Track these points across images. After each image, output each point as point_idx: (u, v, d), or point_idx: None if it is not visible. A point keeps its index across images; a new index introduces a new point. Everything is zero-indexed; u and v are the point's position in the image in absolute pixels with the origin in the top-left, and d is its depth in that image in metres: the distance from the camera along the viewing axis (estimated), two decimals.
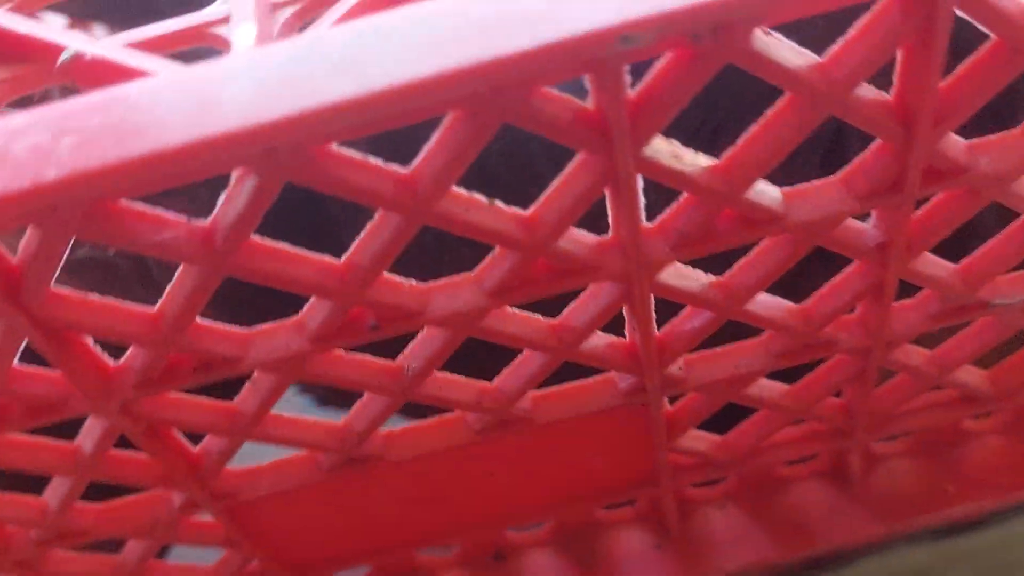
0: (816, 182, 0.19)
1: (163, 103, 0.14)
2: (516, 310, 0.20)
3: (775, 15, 0.15)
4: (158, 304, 0.18)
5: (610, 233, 0.19)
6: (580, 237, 0.19)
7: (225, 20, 0.16)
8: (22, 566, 0.24)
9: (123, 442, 0.21)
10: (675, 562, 0.28)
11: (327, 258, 0.18)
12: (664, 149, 0.17)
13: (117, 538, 0.25)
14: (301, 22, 0.17)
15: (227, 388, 0.21)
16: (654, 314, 0.21)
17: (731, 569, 0.28)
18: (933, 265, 0.21)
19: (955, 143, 0.18)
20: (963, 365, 0.25)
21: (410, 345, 0.21)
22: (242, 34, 0.16)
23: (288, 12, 0.16)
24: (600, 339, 0.22)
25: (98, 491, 0.23)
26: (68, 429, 0.21)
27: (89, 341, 0.19)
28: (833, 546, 0.28)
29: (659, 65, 0.16)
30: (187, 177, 0.14)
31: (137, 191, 0.14)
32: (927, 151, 0.18)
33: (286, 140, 0.14)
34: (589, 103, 0.16)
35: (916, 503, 0.28)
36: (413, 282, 0.19)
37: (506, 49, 0.13)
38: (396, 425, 0.23)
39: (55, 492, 0.22)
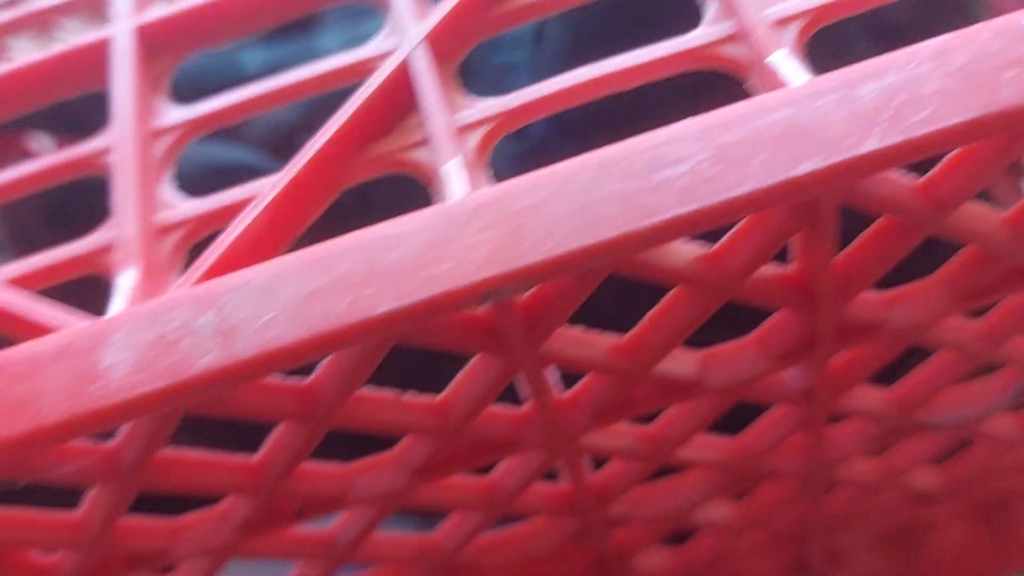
0: (731, 344, 0.19)
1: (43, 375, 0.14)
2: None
3: None
4: (80, 511, 0.18)
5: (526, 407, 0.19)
6: (497, 414, 0.19)
7: (108, 249, 0.16)
8: None
9: None
10: None
11: (239, 458, 0.18)
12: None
13: None
14: (190, 244, 0.17)
15: None
16: (586, 464, 0.21)
17: None
18: (863, 397, 0.21)
19: (863, 303, 0.18)
20: (913, 469, 0.25)
21: (338, 520, 0.21)
22: (127, 270, 0.16)
23: (176, 236, 0.17)
24: (536, 490, 0.22)
25: None
26: None
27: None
28: None
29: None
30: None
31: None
32: (833, 317, 0.18)
33: (174, 406, 0.14)
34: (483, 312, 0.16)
35: None
36: (333, 465, 0.19)
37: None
38: None
39: None
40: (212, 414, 0.16)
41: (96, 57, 0.19)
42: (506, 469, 0.21)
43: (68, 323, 0.16)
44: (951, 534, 0.29)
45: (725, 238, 0.16)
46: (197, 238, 0.17)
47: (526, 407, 0.19)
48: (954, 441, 0.25)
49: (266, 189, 0.17)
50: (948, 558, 0.28)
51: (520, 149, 0.23)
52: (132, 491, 0.17)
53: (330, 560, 0.21)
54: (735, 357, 0.19)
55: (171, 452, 0.17)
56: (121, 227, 0.16)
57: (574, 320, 0.17)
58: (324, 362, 0.16)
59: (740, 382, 0.19)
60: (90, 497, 0.18)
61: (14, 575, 0.19)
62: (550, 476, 0.22)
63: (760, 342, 0.19)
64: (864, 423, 0.23)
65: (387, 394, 0.18)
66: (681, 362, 0.18)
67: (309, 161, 0.17)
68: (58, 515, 0.18)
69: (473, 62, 0.19)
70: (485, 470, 0.21)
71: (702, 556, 0.27)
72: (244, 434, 0.18)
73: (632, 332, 0.17)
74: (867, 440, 0.23)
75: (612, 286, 0.16)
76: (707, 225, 0.14)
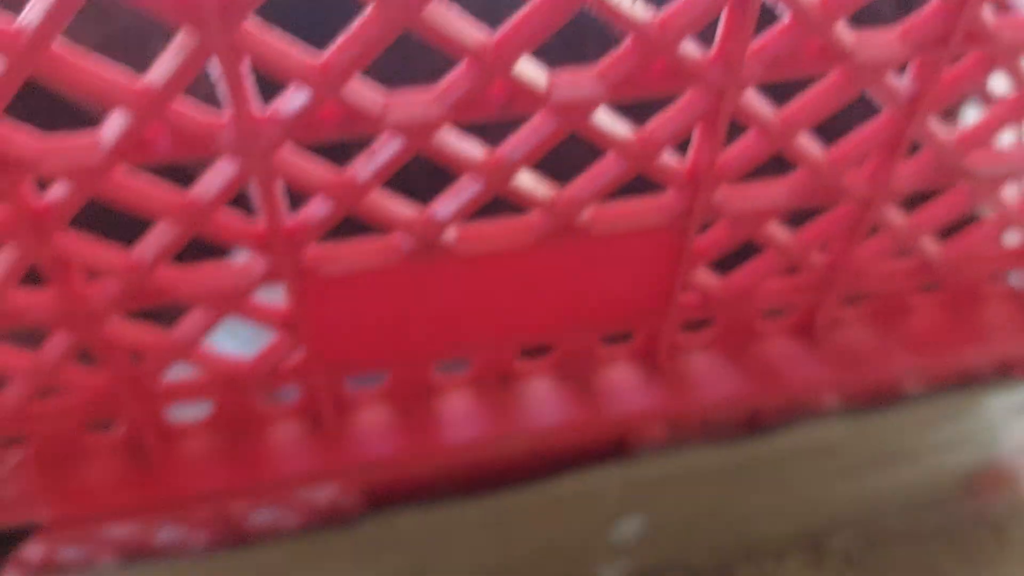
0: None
1: None
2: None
3: None
4: (325, 55, 0.20)
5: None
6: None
7: None
8: (88, 323, 0.25)
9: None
10: (662, 392, 0.32)
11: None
12: None
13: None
14: None
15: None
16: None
17: (708, 400, 0.32)
18: (938, 128, 0.26)
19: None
20: (928, 234, 0.30)
21: (512, 137, 0.23)
22: None
23: None
24: (670, 158, 0.25)
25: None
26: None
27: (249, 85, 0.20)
28: (792, 391, 0.33)
29: None
30: None
31: None
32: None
33: None
34: None
35: (865, 359, 0.33)
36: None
37: None
38: None
39: (151, 245, 0.24)
40: None
41: None
42: (658, 121, 0.24)
43: None
44: (926, 316, 0.34)
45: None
46: None
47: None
48: (966, 214, 0.30)
49: None
50: (921, 335, 0.33)
51: None
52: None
53: (492, 181, 0.23)
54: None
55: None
56: None
57: None
58: None
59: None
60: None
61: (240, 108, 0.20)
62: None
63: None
64: (924, 164, 0.27)
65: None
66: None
67: None
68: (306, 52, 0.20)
69: None
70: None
71: (737, 290, 0.30)
72: None
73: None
74: (921, 180, 0.27)
75: None
76: None
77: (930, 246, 0.31)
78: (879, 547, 0.50)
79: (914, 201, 0.30)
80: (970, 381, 0.40)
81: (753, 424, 0.39)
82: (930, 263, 0.31)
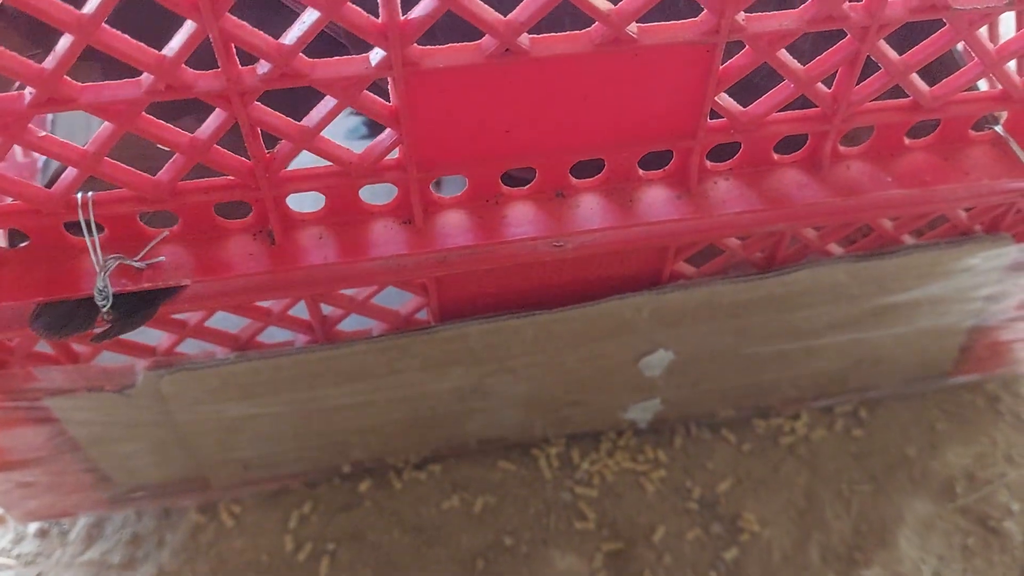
0: None
1: None
2: None
3: None
4: None
5: None
6: None
7: None
8: (240, 99, 0.32)
9: None
10: (691, 207, 0.38)
11: None
12: None
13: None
14: None
15: None
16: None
17: (728, 214, 0.38)
18: None
19: None
20: (916, 71, 0.36)
21: None
22: None
23: None
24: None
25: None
26: None
27: None
28: (800, 214, 0.39)
29: None
30: None
31: None
32: None
33: None
34: None
35: (862, 189, 0.39)
36: None
37: None
38: None
39: (293, 33, 0.30)
40: None
41: None
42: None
43: None
44: (917, 156, 0.40)
45: None
46: None
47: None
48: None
49: None
50: (912, 171, 0.39)
51: None
52: None
53: None
54: None
55: None
56: None
57: None
58: None
59: None
60: None
61: None
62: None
63: None
64: None
65: None
66: None
67: None
68: None
69: None
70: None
71: (756, 115, 0.37)
72: None
73: None
74: (909, 12, 0.33)
75: None
76: None
77: (919, 83, 0.37)
78: (881, 409, 0.57)
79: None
80: (961, 239, 0.46)
81: (769, 267, 0.45)
82: (919, 100, 0.37)
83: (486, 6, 0.31)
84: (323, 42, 0.33)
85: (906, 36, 0.36)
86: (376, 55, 0.32)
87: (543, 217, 0.38)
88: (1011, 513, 0.52)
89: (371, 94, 0.33)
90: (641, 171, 0.39)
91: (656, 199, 0.39)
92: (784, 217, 0.39)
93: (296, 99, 0.35)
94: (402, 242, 0.37)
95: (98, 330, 0.36)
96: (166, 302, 0.37)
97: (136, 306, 0.37)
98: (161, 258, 0.36)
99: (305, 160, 0.35)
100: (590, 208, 0.39)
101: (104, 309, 0.36)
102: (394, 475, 0.54)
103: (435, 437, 0.53)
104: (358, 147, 0.35)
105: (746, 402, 0.55)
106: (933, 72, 0.39)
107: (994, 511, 0.52)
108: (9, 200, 0.34)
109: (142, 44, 0.30)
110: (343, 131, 0.56)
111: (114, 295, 0.35)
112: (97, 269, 0.35)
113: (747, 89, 0.37)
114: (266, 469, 0.52)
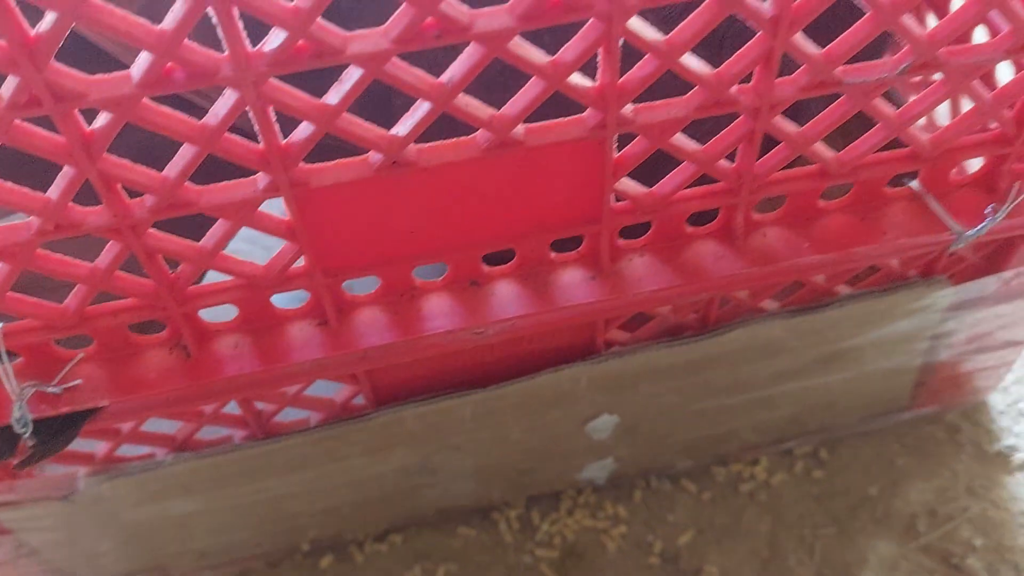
0: None
1: None
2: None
3: None
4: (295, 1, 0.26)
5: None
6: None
7: None
8: (132, 233, 0.32)
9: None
10: (605, 288, 0.38)
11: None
12: None
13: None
14: None
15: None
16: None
17: (643, 292, 0.38)
18: (807, 45, 0.32)
19: None
20: (820, 140, 0.36)
21: (451, 64, 0.30)
22: None
23: None
24: (581, 79, 0.31)
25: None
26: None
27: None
28: (716, 286, 0.39)
29: None
30: None
31: None
32: None
33: None
34: None
35: (779, 257, 0.39)
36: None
37: None
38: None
39: (175, 165, 0.30)
40: None
41: None
42: (567, 46, 0.30)
43: None
44: (834, 219, 0.40)
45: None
46: None
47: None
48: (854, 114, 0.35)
49: None
50: (831, 233, 0.39)
51: None
52: None
53: (438, 101, 0.30)
54: None
55: None
56: None
57: None
58: None
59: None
60: None
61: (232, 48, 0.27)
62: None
63: None
64: (799, 75, 0.33)
65: None
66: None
67: None
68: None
69: None
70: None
71: (662, 197, 0.37)
72: None
73: None
74: (799, 90, 0.33)
75: None
76: None
77: (823, 151, 0.37)
78: (842, 447, 0.56)
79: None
80: (897, 285, 0.46)
81: (703, 328, 0.45)
82: (826, 167, 0.37)
83: (366, 124, 0.31)
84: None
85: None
86: (263, 179, 0.32)
87: (459, 308, 0.38)
88: (974, 549, 0.51)
89: (266, 212, 0.33)
90: (554, 253, 0.39)
91: (571, 281, 0.39)
92: (701, 289, 0.39)
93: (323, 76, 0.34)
94: (318, 345, 0.37)
95: (20, 458, 0.37)
96: (88, 421, 0.37)
97: (58, 428, 0.37)
98: (78, 381, 0.36)
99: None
100: (505, 296, 0.38)
101: (24, 436, 0.36)
102: (355, 548, 0.54)
103: (390, 513, 0.53)
104: None
105: (703, 452, 0.55)
106: (852, 130, 0.39)
107: (956, 548, 0.51)
108: None
109: (25, 190, 0.30)
110: None
111: (34, 421, 0.36)
112: (13, 398, 0.35)
113: (722, 48, 0.36)
114: (224, 554, 0.52)
